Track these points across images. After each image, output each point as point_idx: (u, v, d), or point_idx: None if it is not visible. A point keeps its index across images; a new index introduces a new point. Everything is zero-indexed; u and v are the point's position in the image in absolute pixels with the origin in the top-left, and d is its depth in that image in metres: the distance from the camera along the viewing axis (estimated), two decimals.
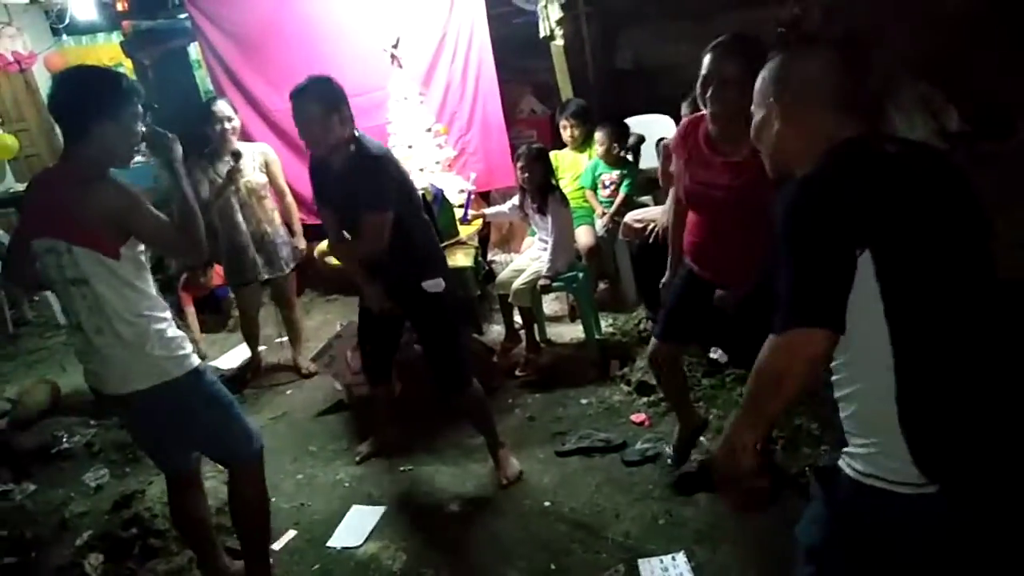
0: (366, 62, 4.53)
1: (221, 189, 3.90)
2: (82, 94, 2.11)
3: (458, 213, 4.20)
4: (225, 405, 2.38)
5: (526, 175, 3.90)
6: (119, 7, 5.82)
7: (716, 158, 2.46)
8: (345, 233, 3.07)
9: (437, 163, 4.46)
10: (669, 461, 3.05)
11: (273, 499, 2.80)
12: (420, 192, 4.07)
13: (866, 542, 1.38)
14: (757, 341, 1.38)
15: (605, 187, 4.57)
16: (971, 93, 3.61)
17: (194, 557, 2.76)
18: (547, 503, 2.98)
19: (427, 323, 3.05)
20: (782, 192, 1.39)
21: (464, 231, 4.26)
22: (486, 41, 4.65)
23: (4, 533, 3.07)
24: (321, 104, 2.71)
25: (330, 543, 2.93)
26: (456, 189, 4.39)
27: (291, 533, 3.01)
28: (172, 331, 2.25)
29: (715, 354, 3.65)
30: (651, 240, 3.90)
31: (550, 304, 4.67)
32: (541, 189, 3.89)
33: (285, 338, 4.57)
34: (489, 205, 4.74)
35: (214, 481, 3.03)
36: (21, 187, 6.29)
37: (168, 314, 2.28)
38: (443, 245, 3.87)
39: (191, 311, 4.98)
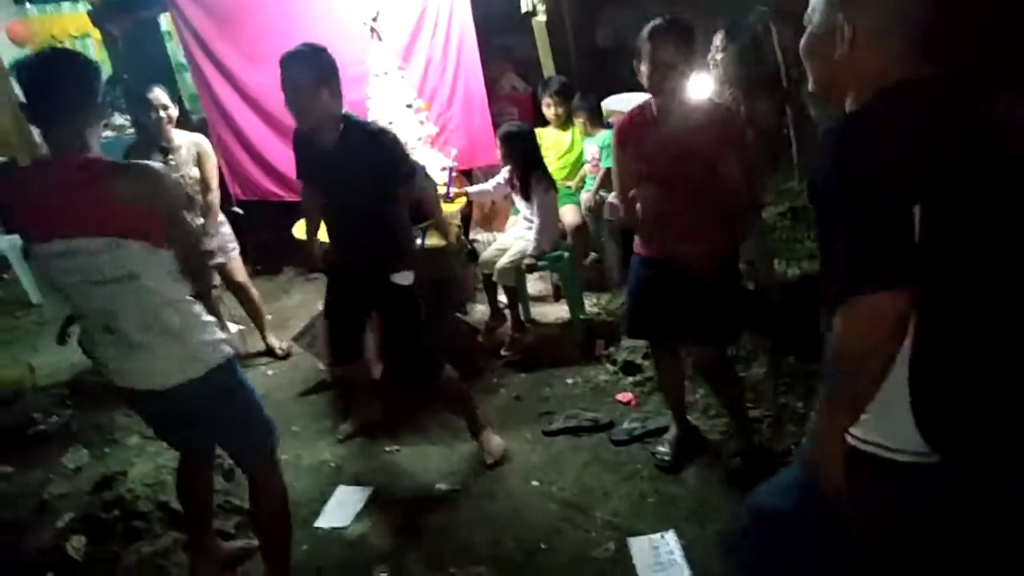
0: (344, 35, 4.42)
1: None
2: (70, 81, 1.95)
3: (440, 192, 4.16)
4: (250, 391, 2.30)
5: (507, 157, 3.86)
6: None
7: (663, 130, 2.52)
8: (323, 227, 3.04)
9: (419, 139, 4.39)
10: (665, 458, 2.94)
11: None
12: None
13: (855, 511, 1.34)
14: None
15: (587, 161, 4.59)
16: None
17: (179, 539, 2.73)
18: (535, 483, 2.98)
19: (394, 315, 3.01)
20: (826, 136, 1.26)
21: (447, 209, 4.21)
22: (468, 16, 4.57)
23: None
24: (313, 73, 2.62)
25: (318, 523, 2.91)
26: (438, 167, 4.34)
27: None
28: (206, 314, 2.17)
29: None
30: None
31: (533, 284, 4.66)
32: (523, 171, 3.86)
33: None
34: (472, 183, 4.70)
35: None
36: None
37: None
38: (426, 224, 3.84)
39: None
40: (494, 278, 4.02)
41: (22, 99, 2.06)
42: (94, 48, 6.89)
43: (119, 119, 6.41)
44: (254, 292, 4.35)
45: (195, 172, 3.91)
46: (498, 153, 4.09)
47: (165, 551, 2.75)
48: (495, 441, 3.17)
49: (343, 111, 2.77)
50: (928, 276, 1.18)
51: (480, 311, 4.49)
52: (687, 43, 2.41)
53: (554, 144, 4.70)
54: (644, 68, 2.46)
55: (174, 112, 3.87)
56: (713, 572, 2.43)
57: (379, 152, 2.73)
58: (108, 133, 6.01)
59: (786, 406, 3.08)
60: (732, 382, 2.92)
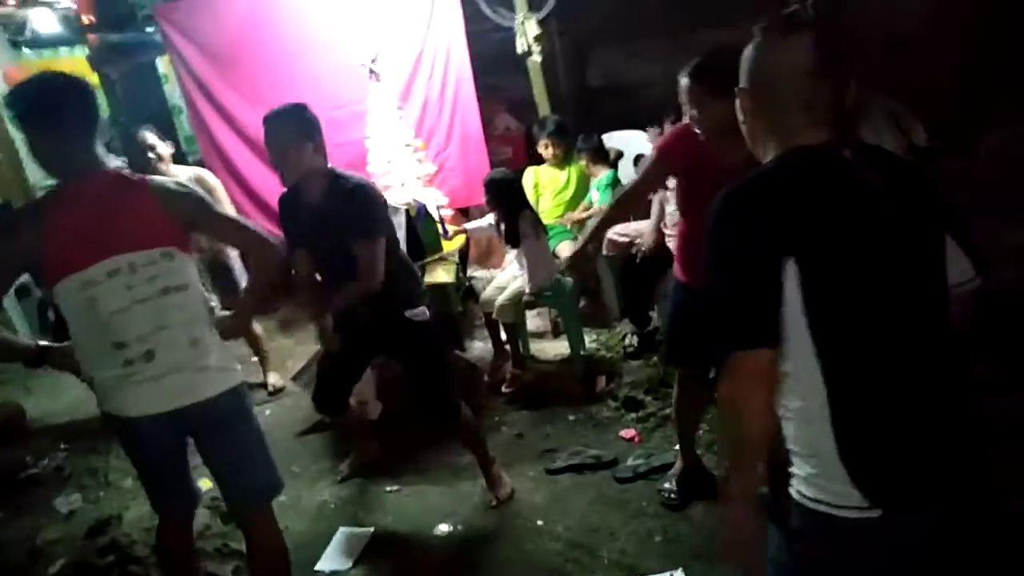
0: (344, 76, 4.49)
1: None
2: (74, 94, 1.95)
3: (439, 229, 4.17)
4: (259, 425, 2.23)
5: (491, 204, 3.88)
6: (85, 21, 5.68)
7: (715, 161, 2.43)
8: (317, 276, 3.00)
9: (418, 178, 4.42)
10: (672, 496, 2.89)
11: None
12: (404, 207, 4.07)
13: (823, 569, 1.33)
14: None
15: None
16: (929, 111, 3.69)
17: None
18: (539, 522, 2.93)
19: (414, 354, 2.98)
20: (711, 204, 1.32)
21: (446, 246, 4.23)
22: (464, 59, 4.65)
23: None
24: (296, 128, 2.66)
25: (318, 567, 2.85)
26: (435, 205, 4.37)
27: None
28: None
29: None
30: (637, 259, 3.91)
31: (532, 320, 4.64)
32: (508, 217, 3.85)
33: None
34: (469, 219, 4.71)
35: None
36: None
37: None
38: (425, 261, 3.83)
39: None
40: (494, 315, 4.01)
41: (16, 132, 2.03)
42: None
43: (116, 161, 6.41)
44: (258, 328, 4.35)
45: None
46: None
47: None
48: (505, 480, 3.13)
49: (328, 166, 2.79)
50: (818, 331, 1.24)
51: (479, 348, 4.46)
52: (720, 76, 2.15)
53: (550, 182, 4.74)
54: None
55: (164, 150, 3.90)
56: None
57: (349, 204, 2.72)
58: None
59: None
60: None
